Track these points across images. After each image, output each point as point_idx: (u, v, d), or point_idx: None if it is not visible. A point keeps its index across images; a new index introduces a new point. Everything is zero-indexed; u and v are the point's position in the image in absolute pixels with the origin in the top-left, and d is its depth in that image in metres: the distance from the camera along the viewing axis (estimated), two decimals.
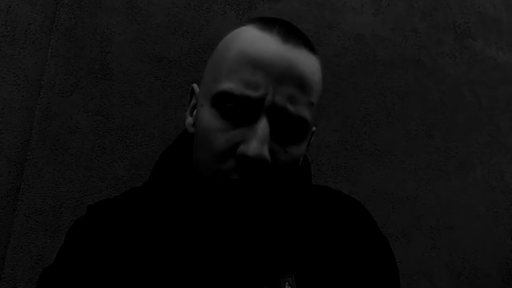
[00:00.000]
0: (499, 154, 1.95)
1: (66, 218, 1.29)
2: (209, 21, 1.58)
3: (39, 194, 1.28)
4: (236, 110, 0.43)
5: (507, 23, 2.15)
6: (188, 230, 0.47)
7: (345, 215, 0.54)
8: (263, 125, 0.42)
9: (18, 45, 1.38)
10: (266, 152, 0.41)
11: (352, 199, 0.57)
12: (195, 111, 0.51)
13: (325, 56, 1.74)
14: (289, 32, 0.46)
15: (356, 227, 0.53)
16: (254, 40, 0.45)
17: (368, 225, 0.55)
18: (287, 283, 0.45)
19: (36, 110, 1.34)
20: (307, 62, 0.45)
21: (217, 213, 0.46)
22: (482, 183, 1.89)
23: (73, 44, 1.41)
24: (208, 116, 0.45)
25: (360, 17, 1.84)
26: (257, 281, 0.45)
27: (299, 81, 0.44)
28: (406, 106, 1.83)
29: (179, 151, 0.53)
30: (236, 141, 0.43)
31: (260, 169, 0.42)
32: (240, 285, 0.44)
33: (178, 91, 1.49)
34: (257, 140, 0.41)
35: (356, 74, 1.78)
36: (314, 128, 0.56)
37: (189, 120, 0.52)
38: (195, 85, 0.53)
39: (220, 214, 0.46)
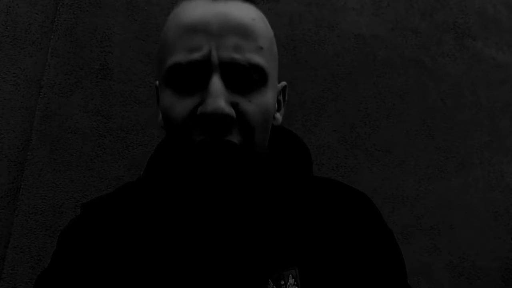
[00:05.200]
0: (499, 154, 1.95)
1: (66, 218, 1.29)
2: None
3: (39, 194, 1.28)
4: (188, 78, 0.44)
5: (507, 23, 2.15)
6: (186, 224, 0.47)
7: (350, 207, 0.53)
8: (214, 81, 0.42)
9: (18, 45, 1.38)
10: (223, 104, 0.41)
11: (357, 190, 0.57)
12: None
13: (325, 56, 1.74)
14: None
15: (361, 219, 0.52)
16: (185, 9, 0.46)
17: (373, 216, 0.54)
18: (291, 275, 0.45)
19: (36, 110, 1.34)
20: (243, 11, 0.46)
21: (215, 203, 0.46)
22: (482, 183, 1.89)
23: (73, 44, 1.41)
24: (166, 96, 0.45)
25: (360, 17, 1.84)
26: (260, 273, 0.44)
27: (239, 30, 0.44)
28: (406, 106, 1.83)
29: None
30: (194, 107, 0.43)
31: (224, 124, 0.42)
32: (243, 278, 0.44)
33: None
34: (210, 96, 0.41)
35: (356, 74, 1.78)
36: (283, 83, 0.55)
37: (160, 116, 0.51)
38: (157, 82, 0.53)
39: (218, 205, 0.46)
